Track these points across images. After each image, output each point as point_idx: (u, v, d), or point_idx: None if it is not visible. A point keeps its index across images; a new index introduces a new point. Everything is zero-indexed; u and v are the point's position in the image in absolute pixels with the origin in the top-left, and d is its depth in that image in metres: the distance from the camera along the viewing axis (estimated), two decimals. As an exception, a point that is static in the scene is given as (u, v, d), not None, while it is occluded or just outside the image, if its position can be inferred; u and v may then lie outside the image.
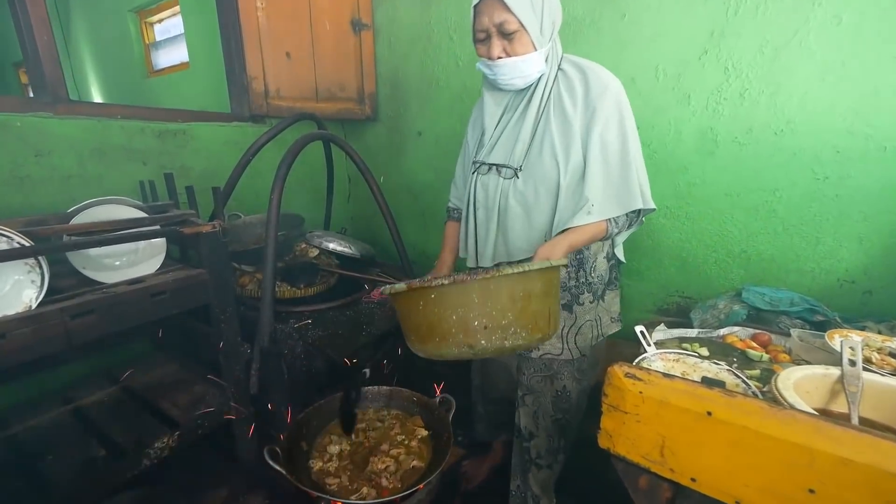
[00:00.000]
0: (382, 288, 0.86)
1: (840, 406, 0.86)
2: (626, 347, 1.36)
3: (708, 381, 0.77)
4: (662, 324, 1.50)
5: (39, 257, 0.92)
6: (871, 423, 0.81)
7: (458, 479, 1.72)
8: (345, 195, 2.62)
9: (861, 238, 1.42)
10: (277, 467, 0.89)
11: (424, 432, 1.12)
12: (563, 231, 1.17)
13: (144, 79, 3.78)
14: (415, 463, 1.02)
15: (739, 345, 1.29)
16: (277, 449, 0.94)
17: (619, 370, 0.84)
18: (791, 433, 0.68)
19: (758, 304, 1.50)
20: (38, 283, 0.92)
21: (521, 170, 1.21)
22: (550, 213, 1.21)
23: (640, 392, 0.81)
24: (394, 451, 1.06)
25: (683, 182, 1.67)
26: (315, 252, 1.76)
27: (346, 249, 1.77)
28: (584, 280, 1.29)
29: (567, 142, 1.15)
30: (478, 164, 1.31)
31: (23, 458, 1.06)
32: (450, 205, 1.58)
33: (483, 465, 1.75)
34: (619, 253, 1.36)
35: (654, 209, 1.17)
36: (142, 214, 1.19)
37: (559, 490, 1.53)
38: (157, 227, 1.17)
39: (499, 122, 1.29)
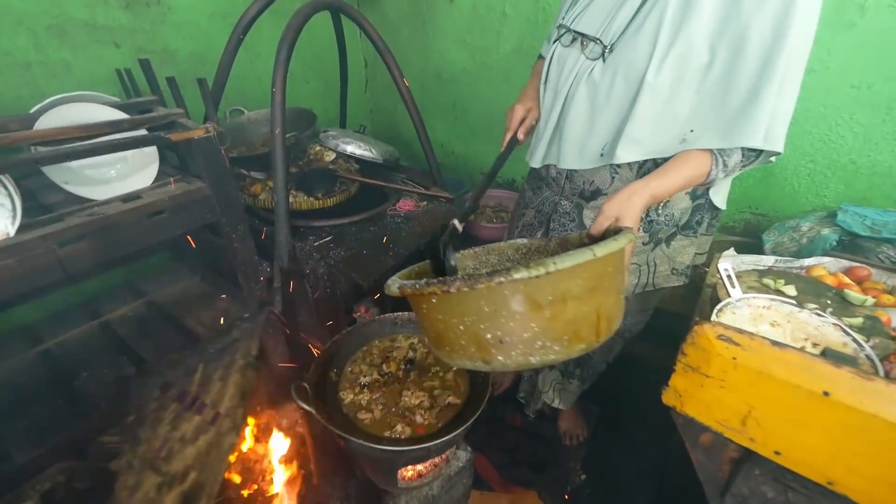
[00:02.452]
0: (385, 285, 0.68)
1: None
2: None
3: (833, 356, 0.61)
4: (732, 248, 1.30)
5: (2, 176, 0.76)
6: None
7: (487, 386, 1.75)
8: (361, 83, 2.27)
9: None
10: (306, 406, 0.84)
11: (459, 363, 1.05)
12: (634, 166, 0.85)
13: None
14: (450, 399, 0.96)
15: (831, 281, 1.09)
16: (305, 385, 0.89)
17: (709, 330, 0.68)
18: (942, 431, 0.54)
19: (855, 228, 1.26)
20: (10, 207, 0.77)
21: (610, 50, 0.86)
22: (618, 120, 0.88)
23: (734, 358, 0.66)
24: (427, 384, 1.00)
25: (796, 68, 1.28)
26: (332, 156, 1.54)
27: (367, 153, 1.54)
28: (642, 215, 1.00)
29: (680, 18, 0.77)
30: (562, 31, 0.96)
31: (59, 374, 1.06)
32: (540, 55, 1.21)
33: (509, 373, 1.77)
34: (716, 195, 0.99)
35: (780, 153, 0.80)
36: (119, 115, 0.98)
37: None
38: (143, 133, 0.97)
39: None
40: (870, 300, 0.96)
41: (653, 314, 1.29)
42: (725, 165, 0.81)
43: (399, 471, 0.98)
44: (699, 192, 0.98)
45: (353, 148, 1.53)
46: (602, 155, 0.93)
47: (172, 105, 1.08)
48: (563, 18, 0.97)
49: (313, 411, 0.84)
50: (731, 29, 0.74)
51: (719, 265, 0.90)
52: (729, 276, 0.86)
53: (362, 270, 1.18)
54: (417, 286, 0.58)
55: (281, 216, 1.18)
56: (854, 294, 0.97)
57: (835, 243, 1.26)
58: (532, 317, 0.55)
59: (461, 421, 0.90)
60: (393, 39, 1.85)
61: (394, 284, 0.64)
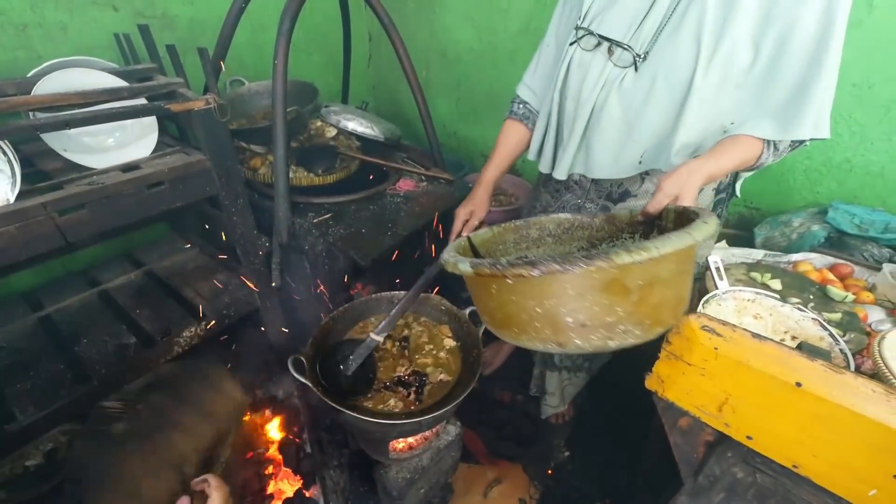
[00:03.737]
0: (442, 260, 0.61)
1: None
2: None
3: (809, 350, 0.64)
4: (724, 240, 1.33)
5: (1, 142, 0.76)
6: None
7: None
8: (364, 57, 2.22)
9: None
10: (302, 379, 0.87)
11: (452, 343, 1.08)
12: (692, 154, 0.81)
13: None
14: (442, 376, 1.00)
15: (815, 276, 1.13)
16: (302, 358, 0.91)
17: (694, 321, 0.71)
18: (901, 422, 0.58)
19: (844, 225, 1.29)
20: (9, 173, 0.77)
21: (643, 59, 0.83)
22: (659, 127, 0.86)
23: (716, 348, 0.69)
24: (421, 362, 1.03)
25: (801, 64, 1.28)
26: (333, 132, 1.53)
27: (369, 130, 1.53)
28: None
29: (723, 19, 0.75)
30: (582, 33, 0.91)
31: (59, 340, 1.08)
32: (517, 95, 1.15)
33: (501, 352, 1.81)
34: (738, 182, 1.01)
35: (827, 137, 0.80)
36: (118, 82, 0.97)
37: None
38: (142, 102, 0.96)
39: None
40: (850, 297, 1.00)
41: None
42: (776, 149, 0.82)
43: (391, 443, 1.02)
44: (721, 187, 0.99)
45: (354, 125, 1.51)
46: (641, 162, 0.91)
47: (172, 73, 1.07)
48: (581, 20, 0.92)
49: (309, 384, 0.87)
50: (776, 24, 0.74)
51: (709, 257, 0.93)
52: (718, 269, 0.89)
53: (360, 249, 1.20)
54: (499, 267, 0.51)
55: (281, 191, 1.18)
56: (836, 290, 1.01)
57: (823, 240, 1.29)
58: (619, 301, 0.51)
59: (452, 398, 0.93)
60: (398, 14, 1.80)
61: (462, 263, 0.56)
